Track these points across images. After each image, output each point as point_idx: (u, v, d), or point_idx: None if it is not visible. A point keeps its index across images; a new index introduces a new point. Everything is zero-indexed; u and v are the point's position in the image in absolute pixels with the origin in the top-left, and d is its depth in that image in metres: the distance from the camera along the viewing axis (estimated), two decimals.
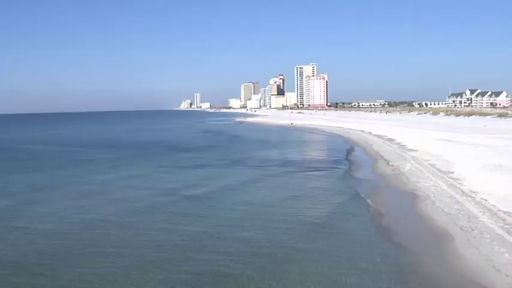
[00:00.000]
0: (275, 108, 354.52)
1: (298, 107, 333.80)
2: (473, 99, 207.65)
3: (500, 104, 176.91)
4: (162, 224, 18.80)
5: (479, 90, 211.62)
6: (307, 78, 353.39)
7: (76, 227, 18.42)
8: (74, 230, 18.05)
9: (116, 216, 20.19)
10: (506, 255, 12.73)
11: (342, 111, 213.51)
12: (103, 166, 38.33)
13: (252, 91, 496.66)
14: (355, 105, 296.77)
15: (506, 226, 15.15)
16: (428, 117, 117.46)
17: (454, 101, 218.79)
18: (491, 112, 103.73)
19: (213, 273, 13.03)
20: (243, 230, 17.53)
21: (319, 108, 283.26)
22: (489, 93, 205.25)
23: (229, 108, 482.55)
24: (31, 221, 19.66)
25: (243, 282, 12.34)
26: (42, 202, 23.85)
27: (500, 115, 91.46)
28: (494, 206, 17.78)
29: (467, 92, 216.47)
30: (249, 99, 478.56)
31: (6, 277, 13.13)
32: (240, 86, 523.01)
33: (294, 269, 13.28)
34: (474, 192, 20.35)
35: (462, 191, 20.90)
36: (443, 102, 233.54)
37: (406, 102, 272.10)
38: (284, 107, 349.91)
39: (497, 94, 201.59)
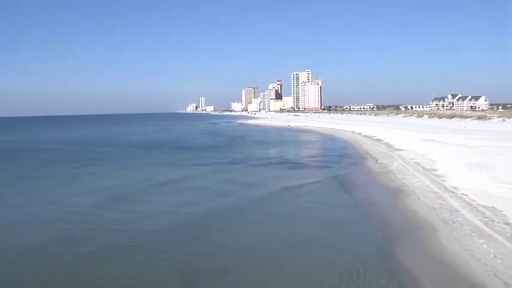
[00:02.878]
0: (273, 111, 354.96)
1: (294, 110, 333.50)
2: (454, 103, 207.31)
3: (479, 108, 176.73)
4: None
5: (460, 95, 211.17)
6: (303, 84, 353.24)
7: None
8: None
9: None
10: (485, 245, 12.74)
11: (335, 114, 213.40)
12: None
13: (253, 95, 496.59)
14: (346, 108, 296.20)
15: (485, 219, 15.17)
16: (413, 119, 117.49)
17: (437, 105, 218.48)
18: (471, 115, 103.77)
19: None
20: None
21: (314, 111, 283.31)
22: (469, 97, 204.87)
23: (232, 111, 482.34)
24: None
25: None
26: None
27: (479, 118, 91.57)
28: (474, 200, 17.79)
29: (449, 97, 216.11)
30: (249, 103, 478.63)
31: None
32: (242, 91, 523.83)
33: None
34: (456, 188, 20.37)
35: (445, 187, 20.91)
36: (427, 106, 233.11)
37: (393, 105, 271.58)
38: (282, 110, 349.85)
39: (477, 98, 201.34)
